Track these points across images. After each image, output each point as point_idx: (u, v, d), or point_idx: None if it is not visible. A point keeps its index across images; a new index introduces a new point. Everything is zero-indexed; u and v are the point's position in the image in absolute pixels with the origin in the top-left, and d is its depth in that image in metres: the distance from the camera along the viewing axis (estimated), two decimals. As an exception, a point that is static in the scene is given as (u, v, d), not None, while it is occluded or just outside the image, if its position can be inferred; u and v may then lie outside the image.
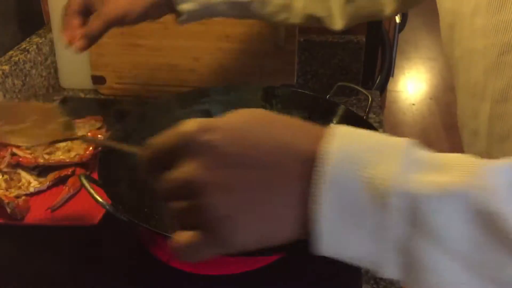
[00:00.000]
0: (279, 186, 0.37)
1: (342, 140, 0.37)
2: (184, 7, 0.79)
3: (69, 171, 0.84)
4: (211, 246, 0.38)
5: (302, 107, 0.86)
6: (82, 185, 0.65)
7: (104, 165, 0.71)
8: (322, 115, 0.84)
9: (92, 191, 0.63)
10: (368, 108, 0.80)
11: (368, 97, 0.79)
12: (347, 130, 0.38)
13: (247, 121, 0.40)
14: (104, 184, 0.68)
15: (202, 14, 0.81)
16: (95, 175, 0.69)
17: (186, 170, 0.38)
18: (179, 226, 0.40)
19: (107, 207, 0.63)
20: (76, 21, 0.78)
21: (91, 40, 0.78)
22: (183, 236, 0.39)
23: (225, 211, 0.37)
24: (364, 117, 0.80)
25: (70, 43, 0.77)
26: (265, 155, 0.38)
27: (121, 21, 0.77)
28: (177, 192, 0.39)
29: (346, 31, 1.13)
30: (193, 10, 0.79)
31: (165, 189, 0.40)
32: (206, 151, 0.38)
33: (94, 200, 0.63)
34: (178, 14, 0.80)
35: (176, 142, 0.40)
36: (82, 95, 1.15)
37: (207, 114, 0.86)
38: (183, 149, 0.39)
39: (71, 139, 0.72)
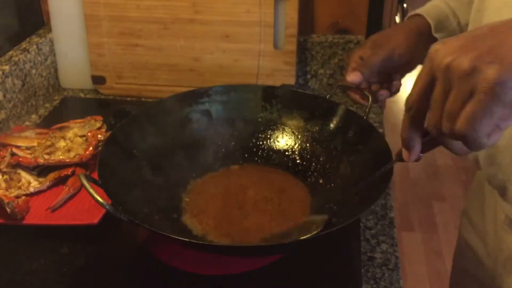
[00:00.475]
0: None
1: None
2: (440, 35, 0.80)
3: (69, 171, 0.84)
4: (492, 100, 0.42)
5: (302, 107, 0.86)
6: (82, 185, 0.65)
7: (104, 165, 0.71)
8: (322, 115, 0.84)
9: (92, 191, 0.63)
10: (368, 108, 0.80)
11: (368, 97, 0.79)
12: None
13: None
14: (104, 184, 0.68)
15: None
16: (95, 175, 0.69)
17: (442, 56, 0.44)
18: (454, 117, 0.44)
19: (107, 207, 0.63)
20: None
21: (370, 68, 0.80)
22: (462, 115, 0.43)
23: (489, 57, 0.42)
24: (364, 117, 0.80)
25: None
26: None
27: (390, 58, 0.80)
28: (446, 88, 0.44)
29: (345, 31, 1.14)
30: (447, 37, 0.80)
31: (438, 104, 0.45)
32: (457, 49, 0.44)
33: (94, 200, 0.63)
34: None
35: (428, 65, 0.47)
36: (82, 95, 1.15)
37: (207, 114, 0.86)
38: (435, 59, 0.46)
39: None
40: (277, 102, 0.87)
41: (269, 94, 0.88)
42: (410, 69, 0.83)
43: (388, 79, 0.83)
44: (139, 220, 0.64)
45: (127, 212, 0.64)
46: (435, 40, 0.81)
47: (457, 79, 0.43)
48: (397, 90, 0.83)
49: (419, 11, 0.83)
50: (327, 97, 0.87)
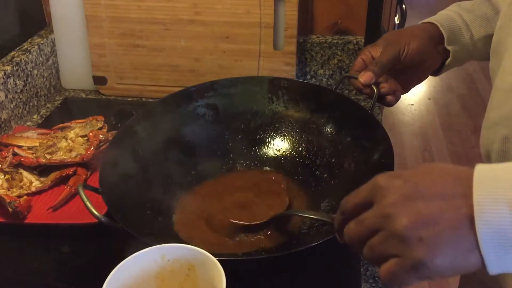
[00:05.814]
0: (451, 217, 0.42)
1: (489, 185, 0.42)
2: (452, 47, 0.79)
3: (70, 170, 0.84)
4: (410, 271, 0.42)
5: (308, 98, 0.85)
6: (80, 197, 0.65)
7: (105, 173, 0.71)
8: (329, 107, 0.84)
9: (88, 203, 0.62)
10: (373, 101, 0.79)
11: (374, 89, 0.78)
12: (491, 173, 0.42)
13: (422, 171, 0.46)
14: (104, 191, 0.68)
15: (467, 55, 0.81)
16: (96, 176, 0.69)
17: (386, 203, 0.44)
18: (377, 259, 0.45)
19: (101, 218, 0.63)
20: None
21: (381, 68, 0.79)
22: (385, 267, 0.44)
23: (421, 233, 0.42)
24: (369, 111, 0.79)
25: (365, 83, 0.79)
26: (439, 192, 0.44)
27: (400, 54, 0.78)
28: (375, 225, 0.45)
29: (344, 32, 1.14)
30: (458, 50, 0.79)
31: (363, 227, 0.46)
32: (398, 190, 0.44)
33: (90, 213, 0.63)
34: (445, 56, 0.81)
35: (370, 190, 0.47)
36: (83, 95, 1.15)
37: (214, 108, 0.86)
38: (378, 194, 0.45)
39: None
40: (283, 94, 0.87)
41: (276, 85, 0.87)
42: (417, 75, 0.82)
43: (396, 79, 0.82)
44: (139, 224, 0.65)
45: (127, 218, 0.64)
46: (443, 49, 0.80)
47: (388, 235, 0.44)
48: (396, 101, 0.82)
49: (432, 19, 0.81)
50: (334, 89, 0.87)
